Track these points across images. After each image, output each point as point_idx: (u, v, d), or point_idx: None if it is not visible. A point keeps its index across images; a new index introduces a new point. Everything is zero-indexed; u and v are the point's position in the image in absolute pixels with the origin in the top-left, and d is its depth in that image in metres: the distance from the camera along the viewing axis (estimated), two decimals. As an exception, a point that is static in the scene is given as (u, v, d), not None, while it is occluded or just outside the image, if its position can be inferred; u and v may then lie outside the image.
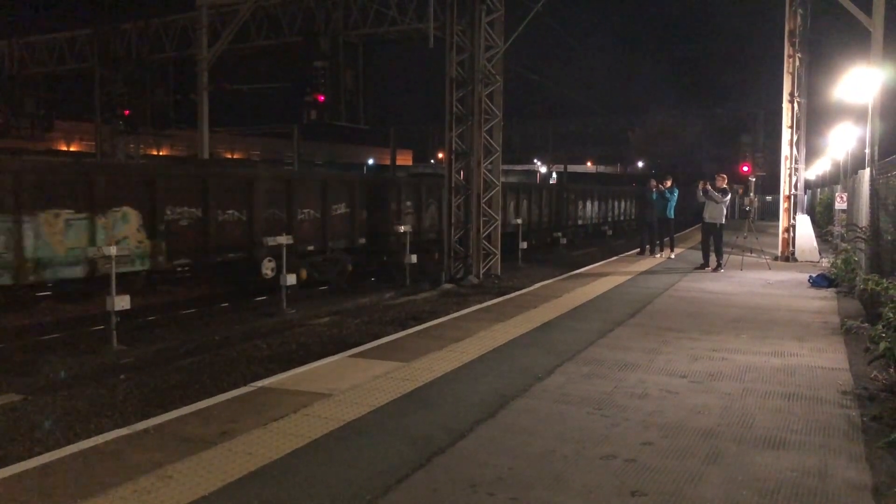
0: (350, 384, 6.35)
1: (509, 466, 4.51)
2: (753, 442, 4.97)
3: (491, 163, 16.46)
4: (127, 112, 23.44)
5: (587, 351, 7.75)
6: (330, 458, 4.66)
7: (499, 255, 16.79)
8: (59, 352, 10.00)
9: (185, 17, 22.79)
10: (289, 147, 41.55)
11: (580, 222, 31.43)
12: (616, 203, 36.67)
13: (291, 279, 13.18)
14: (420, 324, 9.99)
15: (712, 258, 15.62)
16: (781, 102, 17.43)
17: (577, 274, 15.16)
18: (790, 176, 17.50)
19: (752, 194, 25.83)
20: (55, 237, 10.98)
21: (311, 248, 15.53)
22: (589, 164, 77.81)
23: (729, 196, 15.94)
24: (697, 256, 16.77)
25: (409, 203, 18.61)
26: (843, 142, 23.58)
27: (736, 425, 5.33)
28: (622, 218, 37.36)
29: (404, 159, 69.10)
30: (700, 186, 15.65)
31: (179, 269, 13.69)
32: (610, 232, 34.48)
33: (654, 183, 17.99)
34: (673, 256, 18.11)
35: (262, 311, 13.27)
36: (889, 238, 9.14)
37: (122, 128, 24.36)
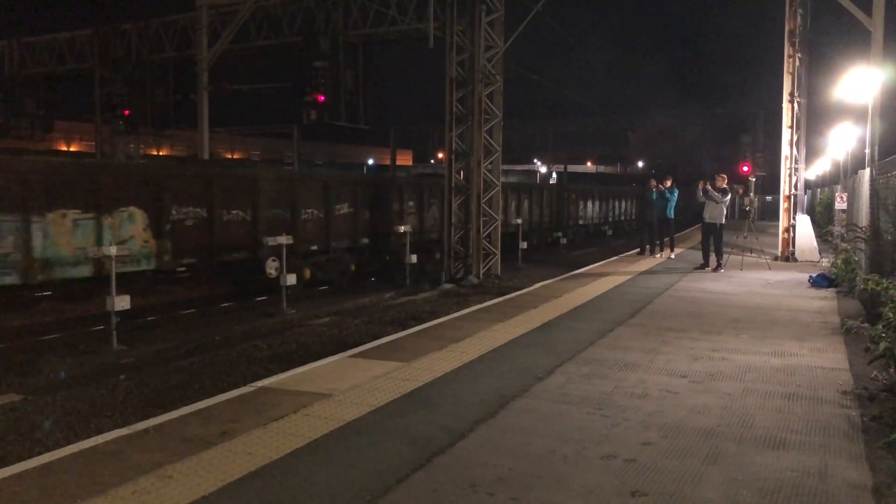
0: (350, 384, 6.35)
1: (509, 466, 4.51)
2: (753, 442, 4.97)
3: (491, 163, 16.46)
4: (127, 112, 23.43)
5: (587, 351, 7.75)
6: (330, 458, 4.66)
7: (499, 255, 16.79)
8: (59, 352, 10.00)
9: (185, 18, 22.79)
10: (289, 147, 41.52)
11: (581, 222, 31.46)
12: (616, 203, 36.68)
13: (292, 279, 13.18)
14: (420, 324, 10.00)
15: (712, 258, 15.62)
16: (781, 102, 17.43)
17: (577, 274, 15.16)
18: (790, 176, 17.50)
19: (752, 194, 25.79)
20: (63, 237, 11.08)
21: (314, 247, 15.60)
22: (589, 164, 77.81)
23: (729, 196, 15.94)
24: (697, 256, 16.77)
25: (411, 203, 18.65)
26: (843, 142, 23.58)
27: (736, 425, 5.33)
28: (623, 218, 37.37)
29: (404, 159, 69.10)
30: (700, 186, 15.65)
31: (185, 268, 13.75)
32: (610, 232, 34.49)
33: (654, 183, 17.99)
34: (673, 256, 18.11)
35: (262, 311, 13.27)
36: (889, 238, 9.14)
37: (122, 128, 24.35)
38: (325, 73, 18.49)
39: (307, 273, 15.20)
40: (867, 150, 13.31)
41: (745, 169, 41.85)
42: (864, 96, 13.46)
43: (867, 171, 12.04)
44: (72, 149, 45.82)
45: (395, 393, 6.10)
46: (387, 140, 56.62)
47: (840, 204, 19.15)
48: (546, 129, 61.20)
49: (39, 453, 5.14)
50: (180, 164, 19.20)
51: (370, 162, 69.49)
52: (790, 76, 17.06)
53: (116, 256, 10.86)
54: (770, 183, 39.45)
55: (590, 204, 32.57)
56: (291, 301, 13.43)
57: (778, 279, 14.09)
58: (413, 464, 4.54)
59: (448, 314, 10.74)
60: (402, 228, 16.65)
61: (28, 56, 26.79)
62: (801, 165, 18.02)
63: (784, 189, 17.61)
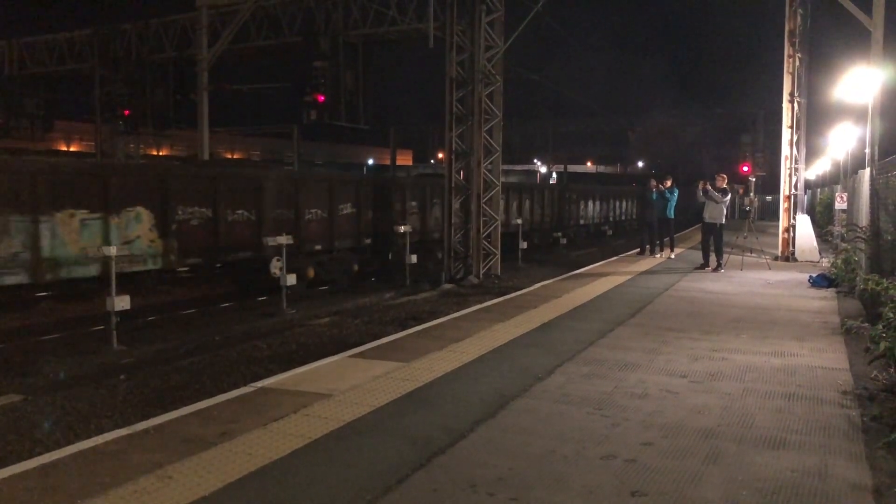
0: (350, 384, 6.35)
1: (509, 466, 4.51)
2: (753, 442, 4.97)
3: (491, 163, 16.46)
4: (127, 112, 23.45)
5: (587, 351, 7.75)
6: (330, 458, 4.66)
7: (499, 255, 16.79)
8: (59, 352, 10.00)
9: (185, 18, 22.80)
10: (289, 147, 41.51)
11: (582, 222, 31.51)
12: (617, 203, 36.71)
13: (292, 279, 13.21)
14: (420, 324, 9.99)
15: (712, 258, 15.62)
16: (781, 102, 17.43)
17: (577, 274, 15.16)
18: (790, 176, 17.50)
19: (752, 194, 25.85)
20: (71, 236, 11.18)
21: (318, 247, 15.70)
22: (589, 164, 77.83)
23: (729, 196, 15.94)
24: (697, 256, 16.77)
25: (413, 203, 18.71)
26: (843, 142, 23.58)
27: (736, 425, 5.33)
28: (623, 218, 37.39)
29: (404, 159, 69.11)
30: (700, 186, 15.65)
31: (189, 268, 13.82)
32: (610, 232, 34.50)
33: (654, 183, 17.99)
34: (673, 256, 18.11)
35: (262, 311, 13.27)
36: (889, 238, 9.15)
37: (122, 128, 24.36)
38: (325, 73, 18.50)
39: (311, 273, 15.30)
40: (867, 150, 13.31)
41: (745, 169, 41.86)
42: (864, 96, 13.46)
43: (867, 171, 12.04)
44: (72, 149, 45.81)
45: (395, 393, 6.10)
46: (387, 140, 56.61)
47: (840, 204, 19.15)
48: (546, 129, 61.22)
49: (39, 453, 5.14)
50: (186, 165, 19.34)
51: (370, 162, 69.47)
52: (790, 76, 17.06)
53: (123, 256, 11.11)
54: (770, 183, 39.45)
55: (591, 204, 32.59)
56: (295, 300, 13.46)
57: (778, 279, 14.09)
58: (413, 464, 4.54)
59: (448, 314, 10.74)
60: (402, 229, 16.66)
61: (28, 56, 26.80)
62: (801, 165, 18.03)
63: (784, 189, 17.61)
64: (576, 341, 8.20)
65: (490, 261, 16.61)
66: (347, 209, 16.53)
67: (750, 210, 23.92)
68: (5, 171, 10.82)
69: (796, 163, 17.55)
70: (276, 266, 13.81)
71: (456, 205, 16.41)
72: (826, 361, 7.34)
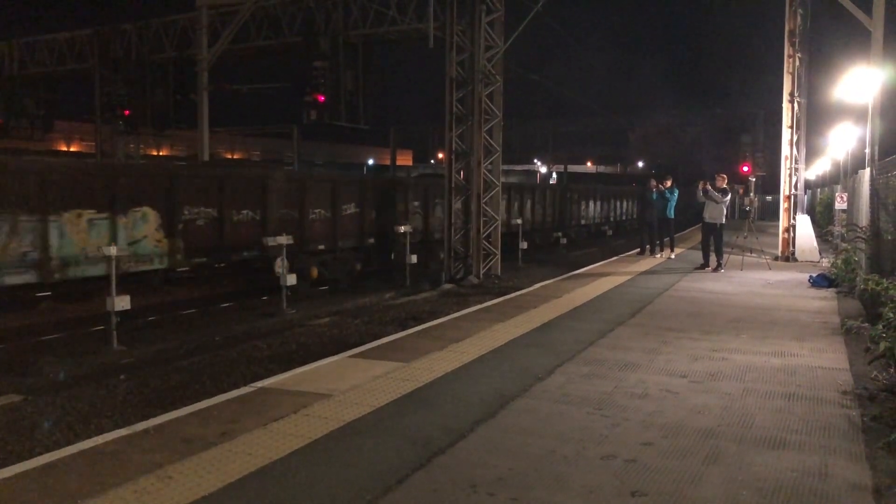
0: (350, 384, 6.35)
1: (509, 467, 4.51)
2: (753, 442, 4.97)
3: (491, 163, 16.45)
4: (127, 112, 23.44)
5: (587, 351, 7.75)
6: (330, 458, 4.67)
7: (499, 256, 16.79)
8: (59, 352, 10.00)
9: (185, 18, 22.79)
10: (289, 147, 41.57)
11: (583, 222, 31.54)
12: (618, 203, 36.74)
13: (292, 279, 13.26)
14: (420, 324, 9.99)
15: (712, 258, 15.62)
16: (781, 102, 17.43)
17: (577, 274, 15.16)
18: (790, 176, 17.50)
19: (752, 194, 25.79)
20: (79, 236, 11.27)
21: (321, 247, 15.79)
22: (589, 164, 77.84)
23: (729, 196, 15.94)
24: (697, 256, 16.77)
25: (416, 203, 18.78)
26: (843, 142, 23.58)
27: (736, 425, 5.33)
28: (624, 218, 37.41)
29: (404, 159, 69.13)
30: (700, 186, 15.66)
31: (191, 268, 13.95)
32: (610, 232, 34.50)
33: (654, 183, 17.99)
34: (673, 256, 18.11)
35: (262, 311, 13.27)
36: (889, 238, 9.15)
37: (122, 128, 24.36)
38: (325, 73, 18.49)
39: (314, 272, 15.41)
40: (867, 150, 13.31)
41: (745, 169, 41.88)
42: (864, 96, 13.46)
43: (867, 170, 12.04)
44: (72, 149, 45.84)
45: (395, 393, 6.10)
46: (387, 140, 56.67)
47: (840, 204, 19.15)
48: (546, 129, 61.23)
49: (39, 453, 5.14)
50: (192, 166, 19.51)
51: (370, 162, 69.50)
52: (790, 76, 17.06)
53: (130, 255, 11.33)
54: (770, 183, 39.47)
55: (592, 204, 32.61)
56: (297, 300, 13.49)
57: (778, 279, 14.09)
58: (413, 464, 4.54)
59: (448, 314, 10.74)
60: (402, 229, 16.67)
61: (28, 56, 26.79)
62: (801, 165, 18.03)
63: (784, 189, 17.62)
64: (576, 341, 8.20)
65: (490, 261, 16.61)
66: (351, 209, 16.62)
67: (750, 210, 23.89)
68: (14, 172, 10.92)
69: (796, 163, 17.55)
70: (279, 265, 13.86)
71: (457, 205, 16.40)
72: (826, 361, 7.34)
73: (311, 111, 18.90)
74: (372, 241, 17.27)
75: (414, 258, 16.68)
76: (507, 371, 6.87)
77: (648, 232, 18.94)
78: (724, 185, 15.55)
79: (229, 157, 51.49)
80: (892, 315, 6.13)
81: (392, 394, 6.07)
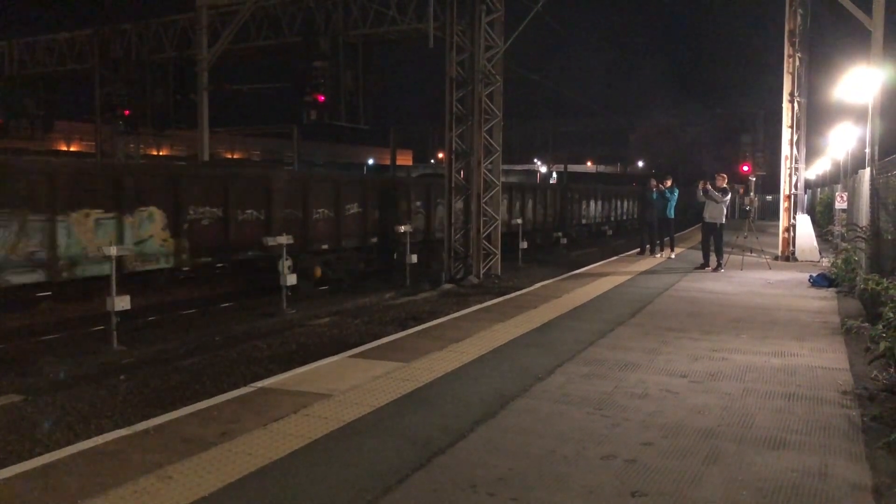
0: (350, 384, 6.35)
1: (509, 467, 4.51)
2: (753, 442, 4.97)
3: (491, 163, 16.46)
4: (127, 112, 23.43)
5: (587, 351, 7.75)
6: (330, 458, 4.66)
7: (499, 255, 16.79)
8: (59, 352, 10.00)
9: (184, 18, 22.78)
10: (289, 147, 41.53)
11: (584, 222, 31.59)
12: (618, 203, 36.78)
13: (293, 279, 13.32)
14: (420, 324, 9.99)
15: (712, 258, 15.62)
16: (781, 102, 17.44)
17: (577, 274, 15.16)
18: (790, 175, 17.50)
19: (752, 194, 25.77)
20: (86, 235, 11.36)
21: (325, 246, 15.88)
22: (589, 164, 77.88)
23: (729, 196, 15.94)
24: (697, 256, 16.76)
25: (418, 203, 18.86)
26: (843, 141, 23.60)
27: (736, 425, 5.33)
28: (624, 218, 37.44)
29: (404, 159, 69.14)
30: (700, 186, 15.66)
31: (200, 267, 14.07)
32: (610, 232, 34.51)
33: (654, 183, 17.99)
34: (673, 256, 18.11)
35: (262, 311, 13.27)
36: (889, 238, 9.15)
37: (122, 128, 24.36)
38: (325, 73, 18.49)
39: (318, 272, 15.51)
40: (867, 150, 13.32)
41: (745, 169, 41.90)
42: (864, 96, 13.47)
43: (867, 170, 12.04)
44: (72, 149, 45.82)
45: (395, 393, 6.10)
46: (387, 140, 56.66)
47: (840, 204, 19.15)
48: (546, 129, 61.27)
49: (40, 453, 5.15)
50: (198, 166, 19.65)
51: (370, 162, 69.50)
52: (790, 76, 17.06)
53: (135, 255, 11.52)
54: (770, 183, 39.48)
55: (592, 204, 32.65)
56: (299, 300, 13.52)
57: (778, 279, 14.09)
58: (413, 464, 4.54)
59: (448, 314, 10.74)
60: (402, 228, 16.68)
61: (28, 56, 26.78)
62: (801, 165, 18.03)
63: (784, 189, 17.61)
64: (576, 341, 8.20)
65: (490, 261, 16.61)
66: (354, 209, 16.72)
67: (750, 210, 23.87)
68: (23, 172, 11.02)
69: (796, 163, 17.55)
70: (284, 264, 13.95)
71: (457, 205, 16.41)
72: (826, 361, 7.34)
73: (311, 111, 18.90)
74: (375, 240, 17.35)
75: (414, 258, 16.69)
76: (507, 371, 6.87)
77: (648, 232, 18.94)
78: (724, 185, 15.55)
79: (229, 157, 51.47)
80: (892, 315, 6.13)
81: (392, 394, 6.07)
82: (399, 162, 60.37)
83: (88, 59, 24.79)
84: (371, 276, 17.27)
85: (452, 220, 16.37)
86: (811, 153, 24.86)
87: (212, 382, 8.13)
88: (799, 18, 16.84)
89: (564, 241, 27.79)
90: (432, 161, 66.10)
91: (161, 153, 40.25)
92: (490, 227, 16.53)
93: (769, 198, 45.21)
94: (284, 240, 13.13)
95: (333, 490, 4.17)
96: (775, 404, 5.86)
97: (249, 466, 4.48)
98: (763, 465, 4.56)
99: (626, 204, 37.79)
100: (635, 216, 37.49)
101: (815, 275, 13.48)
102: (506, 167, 28.86)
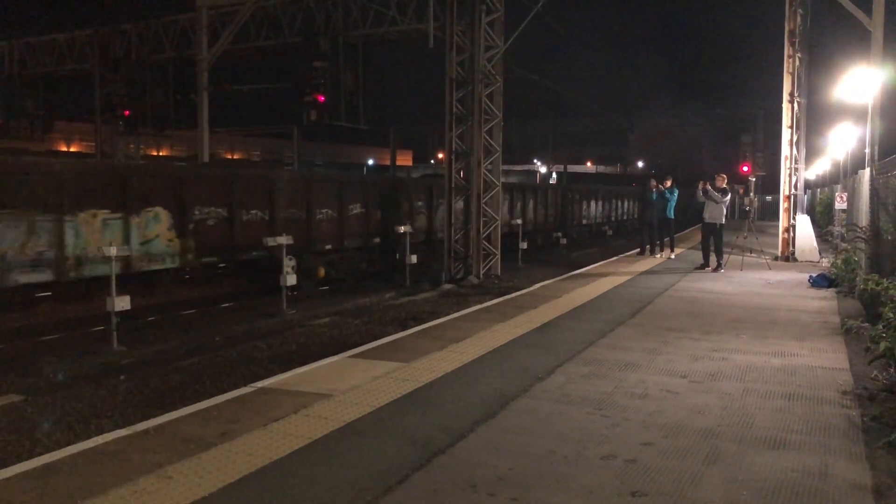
0: (350, 385, 6.35)
1: (509, 467, 4.51)
2: (754, 442, 4.97)
3: (491, 163, 16.46)
4: (127, 112, 23.42)
5: (587, 351, 7.75)
6: (330, 458, 4.67)
7: (499, 256, 16.79)
8: (59, 352, 9.99)
9: (184, 18, 22.79)
10: (289, 147, 41.53)
11: (585, 222, 31.62)
12: (618, 203, 36.81)
13: (292, 279, 13.36)
14: (420, 324, 9.99)
15: (712, 258, 15.62)
16: (781, 102, 17.44)
17: (577, 274, 15.16)
18: (790, 176, 17.51)
19: (752, 194, 25.80)
20: (93, 235, 11.43)
21: (328, 246, 15.96)
22: (589, 164, 77.91)
23: (729, 196, 15.95)
24: (697, 256, 16.76)
25: (420, 203, 18.92)
26: (843, 142, 23.59)
27: (736, 425, 5.33)
28: (625, 218, 37.47)
29: (404, 159, 69.11)
30: (700, 186, 15.66)
31: (204, 266, 14.15)
32: (610, 232, 34.51)
33: (654, 183, 18.00)
34: (673, 256, 18.11)
35: (262, 311, 13.27)
36: (889, 238, 9.15)
37: (122, 128, 24.35)
38: (325, 74, 18.48)
39: (321, 271, 15.60)
40: (867, 150, 13.32)
41: (745, 169, 41.87)
42: (864, 96, 13.47)
43: (867, 170, 12.04)
44: (72, 149, 45.80)
45: (396, 393, 6.10)
46: (387, 140, 56.61)
47: (840, 204, 19.15)
48: (546, 129, 61.23)
49: (40, 453, 5.14)
50: (203, 166, 19.79)
51: (370, 162, 69.51)
52: (790, 76, 17.07)
53: (142, 255, 11.67)
54: (770, 183, 39.44)
55: (592, 204, 32.67)
56: (301, 300, 13.55)
57: (778, 279, 14.09)
58: (413, 464, 4.54)
59: (448, 314, 10.74)
60: (402, 229, 16.69)
61: (28, 56, 26.78)
62: (801, 165, 18.03)
63: (784, 189, 17.62)
64: (576, 341, 8.20)
65: (490, 261, 16.61)
66: (357, 209, 16.80)
67: (750, 210, 23.91)
68: (32, 173, 11.08)
69: (796, 163, 17.55)
70: (287, 265, 13.99)
71: (458, 205, 16.41)
72: (826, 361, 7.34)
73: (311, 111, 18.90)
74: (377, 240, 17.43)
75: (414, 258, 16.70)
76: (507, 371, 6.87)
77: (648, 232, 18.95)
78: (724, 185, 15.55)
79: (229, 157, 51.49)
80: (892, 315, 6.13)
81: (392, 394, 6.07)
82: (399, 162, 60.35)
83: (88, 59, 24.78)
84: (372, 277, 17.29)
85: (452, 221, 16.38)
86: (811, 153, 24.87)
87: (212, 382, 8.13)
88: (799, 18, 16.85)
89: (564, 241, 27.78)
90: (432, 161, 66.07)
91: (161, 153, 40.26)
92: (490, 227, 16.53)
93: (769, 198, 45.21)
94: (284, 240, 13.15)
95: (333, 490, 4.17)
96: (775, 404, 5.86)
97: (249, 466, 4.48)
98: (763, 465, 4.56)
99: (626, 204, 37.80)
100: (635, 216, 37.50)
101: (814, 275, 13.48)
102: (506, 167, 28.89)
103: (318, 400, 5.88)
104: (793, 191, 17.55)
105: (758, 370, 6.96)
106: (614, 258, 18.65)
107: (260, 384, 6.45)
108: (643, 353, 7.65)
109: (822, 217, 29.42)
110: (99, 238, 11.42)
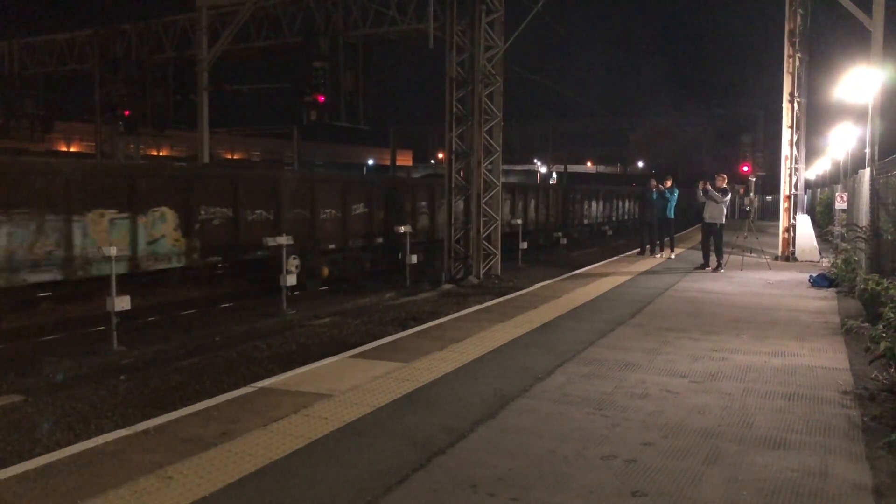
0: (350, 385, 6.35)
1: (509, 467, 4.51)
2: (754, 442, 4.97)
3: (491, 163, 16.45)
4: (127, 112, 23.40)
5: (587, 351, 7.75)
6: (330, 458, 4.66)
7: (499, 256, 16.78)
8: (59, 352, 9.99)
9: (184, 18, 22.77)
10: (289, 147, 41.51)
11: (585, 222, 31.64)
12: (619, 203, 36.85)
13: (292, 279, 13.42)
14: (420, 324, 9.99)
15: (712, 258, 15.62)
16: (781, 102, 17.44)
17: (577, 274, 15.16)
18: (790, 176, 17.51)
19: (752, 194, 25.80)
20: (101, 235, 11.53)
21: (332, 246, 16.06)
22: (589, 164, 77.90)
23: (729, 196, 15.95)
24: (697, 256, 16.77)
25: (422, 203, 19.01)
26: (843, 142, 23.60)
27: (736, 425, 5.33)
28: (625, 218, 37.48)
29: (404, 159, 69.14)
30: (700, 186, 15.66)
31: (211, 266, 14.26)
32: (610, 232, 34.52)
33: (654, 183, 18.00)
34: (673, 256, 18.11)
35: (262, 311, 13.27)
36: (889, 238, 9.15)
37: (122, 128, 24.34)
38: (325, 74, 18.47)
39: (325, 271, 15.71)
40: (867, 150, 13.32)
41: (745, 169, 41.85)
42: (864, 96, 13.47)
43: (867, 170, 12.05)
44: (72, 149, 45.80)
45: (396, 393, 6.10)
46: (387, 140, 56.65)
47: (840, 204, 19.15)
48: (546, 129, 61.18)
49: (40, 454, 5.14)
50: (209, 167, 19.98)
51: (370, 162, 69.53)
52: (790, 76, 17.07)
53: (148, 254, 11.82)
54: (770, 183, 39.46)
55: (592, 204, 32.69)
56: (302, 299, 13.56)
57: (778, 279, 14.09)
58: (413, 464, 4.54)
59: (448, 314, 10.74)
60: (401, 229, 16.69)
61: (28, 56, 26.78)
62: (801, 165, 18.03)
63: (784, 189, 17.62)
64: (576, 341, 8.20)
65: (490, 261, 16.60)
66: (360, 209, 16.91)
67: (750, 210, 23.91)
68: (41, 173, 11.15)
69: (796, 163, 17.55)
70: (291, 264, 14.03)
71: (458, 205, 16.41)
72: (826, 361, 7.34)
73: (311, 111, 18.89)
74: (380, 240, 17.50)
75: (414, 258, 16.71)
76: (507, 371, 6.87)
77: (648, 232, 18.95)
78: (724, 185, 15.55)
79: (229, 157, 51.49)
80: (892, 315, 6.13)
81: (392, 394, 6.07)
82: (399, 162, 60.38)
83: (88, 59, 24.77)
84: (373, 277, 17.31)
85: (452, 221, 16.38)
86: (811, 153, 24.86)
87: (212, 382, 8.13)
88: (799, 18, 16.85)
89: (565, 241, 27.78)
90: (432, 161, 66.06)
91: (161, 154, 40.22)
92: (490, 227, 16.53)
93: (769, 198, 45.20)
94: (284, 240, 13.17)
95: (333, 490, 4.17)
96: (775, 404, 5.86)
97: (249, 466, 4.48)
98: (763, 465, 4.56)
99: (626, 204, 37.82)
100: (636, 216, 37.50)
101: (815, 275, 13.48)
102: (506, 167, 28.88)
103: (318, 400, 5.88)
104: (793, 191, 17.55)
105: (758, 370, 6.96)
106: (614, 258, 18.65)
107: (260, 384, 6.45)
108: (643, 353, 7.65)
109: (822, 217, 29.42)
110: (106, 238, 11.52)
